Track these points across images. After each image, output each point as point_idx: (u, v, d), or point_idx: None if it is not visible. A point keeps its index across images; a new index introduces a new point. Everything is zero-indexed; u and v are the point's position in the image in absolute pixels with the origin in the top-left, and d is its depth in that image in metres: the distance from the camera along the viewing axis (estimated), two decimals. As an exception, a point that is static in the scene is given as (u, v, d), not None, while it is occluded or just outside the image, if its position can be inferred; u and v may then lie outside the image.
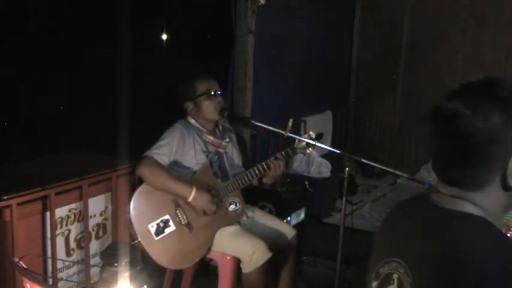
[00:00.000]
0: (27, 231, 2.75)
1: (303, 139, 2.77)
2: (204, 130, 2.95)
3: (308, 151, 2.84)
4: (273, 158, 2.84)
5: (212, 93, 2.91)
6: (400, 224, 1.22)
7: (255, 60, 4.18)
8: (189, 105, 2.96)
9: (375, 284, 1.23)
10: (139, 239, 2.72)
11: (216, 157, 2.96)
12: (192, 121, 2.96)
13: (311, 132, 2.80)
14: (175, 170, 2.84)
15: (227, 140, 3.02)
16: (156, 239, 2.74)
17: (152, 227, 2.74)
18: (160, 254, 2.75)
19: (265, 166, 2.82)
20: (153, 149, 2.79)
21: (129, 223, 2.75)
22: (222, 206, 2.86)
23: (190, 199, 2.74)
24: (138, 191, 2.79)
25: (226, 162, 2.99)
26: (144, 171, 2.75)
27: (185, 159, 2.86)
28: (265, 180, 2.95)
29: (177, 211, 2.78)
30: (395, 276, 1.15)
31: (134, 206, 2.75)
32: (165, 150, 2.79)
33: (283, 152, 2.85)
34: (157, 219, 2.75)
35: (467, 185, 1.11)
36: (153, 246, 2.74)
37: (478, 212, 1.10)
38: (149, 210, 2.77)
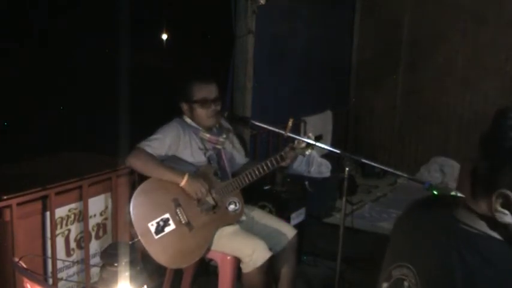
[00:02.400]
0: (27, 231, 2.75)
1: (303, 139, 2.77)
2: (200, 128, 2.96)
3: (307, 152, 2.83)
4: (277, 156, 2.83)
5: (207, 102, 2.91)
6: (419, 230, 1.18)
7: (255, 60, 4.18)
8: (184, 106, 2.97)
9: (385, 285, 1.20)
10: (139, 237, 2.72)
11: (215, 154, 2.97)
12: (188, 120, 2.97)
13: (310, 134, 2.79)
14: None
15: (224, 136, 3.02)
16: (156, 237, 2.74)
17: (152, 226, 2.74)
18: (160, 252, 2.75)
19: (264, 167, 2.82)
20: (144, 142, 2.82)
21: (129, 222, 2.75)
22: (222, 206, 2.86)
23: (182, 183, 2.75)
24: (138, 190, 2.79)
25: (224, 158, 3.00)
26: (134, 161, 2.78)
27: (182, 158, 2.87)
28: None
29: (177, 210, 2.78)
30: (406, 283, 1.13)
31: (134, 205, 2.75)
32: (156, 144, 2.81)
33: (283, 153, 2.84)
34: (157, 218, 2.75)
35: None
36: (153, 245, 2.74)
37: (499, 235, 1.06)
38: (149, 209, 2.77)
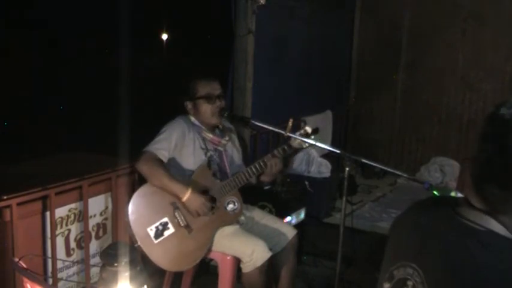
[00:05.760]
0: (27, 231, 2.75)
1: (303, 139, 2.76)
2: (203, 128, 2.96)
3: (304, 146, 2.82)
4: (269, 155, 2.84)
5: (212, 97, 2.91)
6: (421, 229, 1.16)
7: (255, 60, 4.18)
8: (188, 105, 2.97)
9: (387, 285, 1.20)
10: (139, 242, 2.71)
11: (215, 155, 2.96)
12: (192, 119, 2.97)
13: (307, 128, 2.78)
14: (175, 167, 2.85)
15: (226, 138, 3.02)
16: (156, 242, 2.73)
17: (151, 230, 2.73)
18: (160, 256, 2.74)
19: (261, 164, 2.82)
20: (153, 144, 2.80)
21: (128, 226, 2.75)
22: (221, 206, 2.85)
23: (184, 199, 2.74)
24: (135, 194, 2.79)
25: (225, 161, 3.00)
26: (142, 167, 2.77)
27: (183, 155, 2.87)
28: (262, 178, 2.94)
29: (176, 213, 2.77)
30: (409, 283, 1.12)
31: (132, 210, 2.75)
32: (164, 144, 2.80)
33: (279, 149, 2.84)
34: (156, 222, 2.74)
35: (500, 206, 1.05)
36: (153, 250, 2.73)
37: (506, 234, 1.05)
38: (147, 214, 2.76)
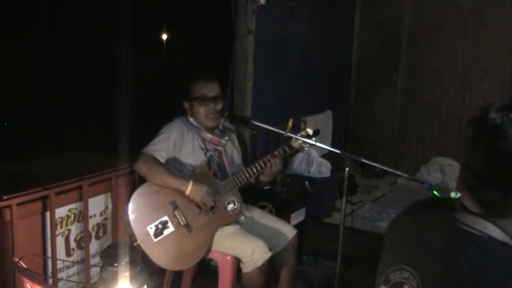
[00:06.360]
0: (27, 231, 2.75)
1: (303, 139, 2.76)
2: (202, 128, 2.95)
3: (305, 147, 2.83)
4: (269, 155, 2.84)
5: (205, 99, 2.90)
6: (418, 232, 1.16)
7: (255, 60, 4.18)
8: (186, 105, 2.98)
9: None
10: (139, 241, 2.71)
11: (215, 155, 2.96)
12: (191, 119, 2.97)
13: (308, 129, 2.78)
14: (174, 167, 2.85)
15: (226, 138, 3.02)
16: (155, 240, 2.73)
17: (151, 229, 2.73)
18: (160, 255, 2.74)
19: (262, 164, 2.82)
20: (151, 145, 2.81)
21: (128, 225, 2.75)
22: (221, 206, 2.85)
23: (187, 192, 2.74)
24: (135, 193, 2.79)
25: (225, 161, 2.99)
26: (141, 167, 2.78)
27: (183, 156, 2.87)
28: (262, 178, 2.94)
29: (176, 212, 2.77)
30: (405, 287, 1.12)
31: (132, 209, 2.75)
32: (162, 145, 2.80)
33: (280, 149, 2.84)
34: (155, 221, 2.75)
35: (500, 210, 1.05)
36: (153, 248, 2.73)
37: (504, 238, 1.04)
38: (147, 212, 2.76)
